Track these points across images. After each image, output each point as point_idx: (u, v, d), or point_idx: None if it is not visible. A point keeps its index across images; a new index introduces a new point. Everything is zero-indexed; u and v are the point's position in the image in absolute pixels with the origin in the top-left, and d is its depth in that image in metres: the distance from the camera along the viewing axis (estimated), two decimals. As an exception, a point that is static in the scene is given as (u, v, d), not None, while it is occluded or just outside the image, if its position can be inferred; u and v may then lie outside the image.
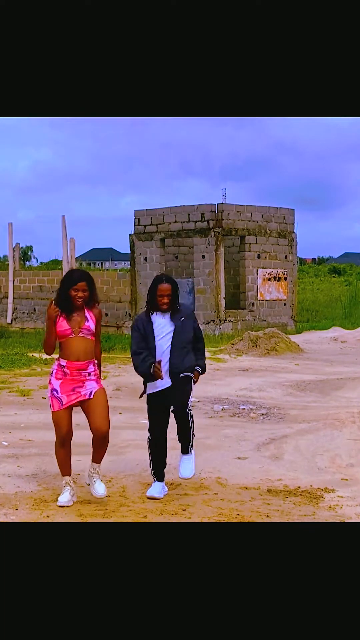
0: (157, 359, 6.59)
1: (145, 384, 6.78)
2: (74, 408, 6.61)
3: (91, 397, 6.47)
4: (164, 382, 6.66)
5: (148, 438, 6.86)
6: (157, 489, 6.84)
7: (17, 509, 6.45)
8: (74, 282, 6.38)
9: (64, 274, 29.21)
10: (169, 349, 6.61)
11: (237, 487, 7.12)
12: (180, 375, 6.63)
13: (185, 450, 6.93)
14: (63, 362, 6.48)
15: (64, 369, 6.48)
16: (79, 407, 6.62)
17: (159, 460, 6.86)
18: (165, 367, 6.61)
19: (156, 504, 6.60)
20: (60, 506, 6.50)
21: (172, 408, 6.76)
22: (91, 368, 6.51)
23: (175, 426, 6.83)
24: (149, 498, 6.75)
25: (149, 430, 6.85)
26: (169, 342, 6.61)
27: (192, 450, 6.93)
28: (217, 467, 7.74)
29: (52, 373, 6.56)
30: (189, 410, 6.78)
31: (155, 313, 6.67)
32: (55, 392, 6.50)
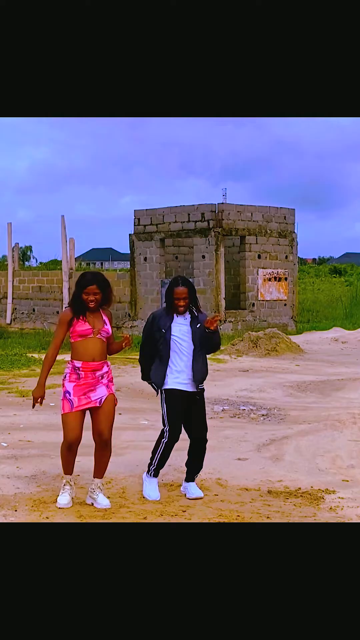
0: (171, 362, 6.73)
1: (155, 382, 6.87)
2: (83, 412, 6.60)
3: (100, 404, 6.48)
4: (187, 386, 6.74)
5: (164, 434, 6.78)
6: (156, 491, 6.85)
7: (16, 510, 6.43)
8: (84, 286, 6.39)
9: (63, 274, 29.06)
10: (191, 354, 6.71)
11: (238, 488, 7.11)
12: (198, 394, 6.79)
13: (192, 478, 6.94)
14: (77, 364, 6.46)
15: (78, 371, 6.46)
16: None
17: (165, 461, 6.87)
18: (186, 372, 6.71)
19: (156, 505, 6.58)
20: (60, 508, 6.46)
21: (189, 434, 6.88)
22: (105, 368, 6.54)
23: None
24: (144, 497, 6.78)
25: (169, 429, 6.76)
26: (189, 347, 6.71)
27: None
28: (218, 468, 7.73)
29: (65, 376, 6.52)
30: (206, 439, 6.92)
31: (175, 314, 6.76)
32: (67, 394, 6.47)
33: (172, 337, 6.69)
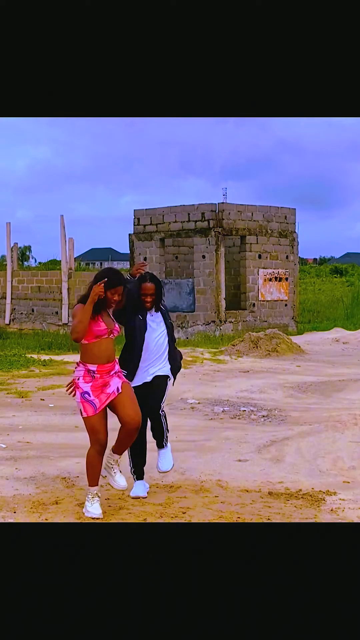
0: (146, 357, 6.71)
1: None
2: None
3: (119, 391, 6.25)
4: (143, 378, 6.74)
5: None
6: (140, 488, 6.85)
7: (15, 512, 6.40)
8: (113, 285, 6.15)
9: (62, 274, 28.98)
10: (165, 345, 6.79)
11: (238, 490, 7.07)
12: (159, 375, 6.79)
13: (161, 444, 6.94)
14: (92, 367, 6.20)
15: (94, 374, 6.22)
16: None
17: (139, 457, 6.88)
18: (149, 367, 6.73)
19: (156, 507, 6.53)
20: (93, 518, 6.25)
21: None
22: (117, 367, 6.37)
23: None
24: (133, 498, 6.75)
25: None
26: (161, 341, 6.78)
27: (168, 444, 6.95)
28: (218, 470, 7.69)
29: (78, 378, 6.26)
30: (162, 411, 6.85)
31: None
32: (87, 395, 6.19)
33: (148, 328, 6.72)
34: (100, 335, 6.18)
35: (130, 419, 6.24)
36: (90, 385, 6.21)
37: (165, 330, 6.83)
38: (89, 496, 6.34)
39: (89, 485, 6.33)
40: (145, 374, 6.75)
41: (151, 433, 6.90)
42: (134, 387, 6.55)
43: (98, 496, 6.36)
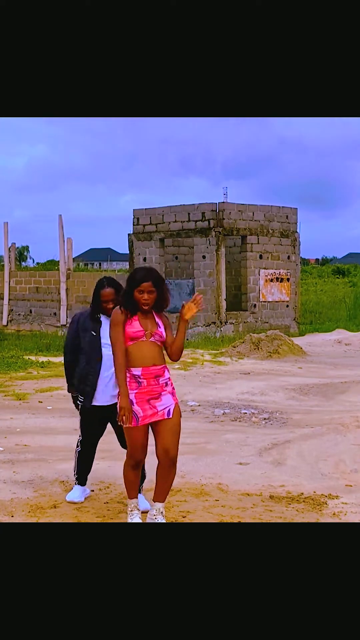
0: (104, 366, 6.41)
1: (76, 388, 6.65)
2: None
3: (170, 416, 5.79)
4: (111, 399, 6.45)
5: (77, 447, 6.78)
6: (77, 493, 6.76)
7: (12, 516, 6.36)
8: (137, 283, 5.71)
9: (60, 274, 29.05)
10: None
11: (239, 494, 7.02)
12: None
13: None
14: (136, 371, 5.73)
15: (139, 379, 5.74)
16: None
17: (86, 466, 6.79)
18: (112, 380, 6.39)
19: (155, 511, 6.45)
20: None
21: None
22: (167, 374, 5.84)
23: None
24: (68, 502, 6.66)
25: (81, 443, 6.73)
26: None
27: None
28: (218, 473, 7.65)
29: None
30: None
31: (101, 315, 6.51)
32: (132, 405, 5.74)
33: (102, 343, 6.41)
34: (135, 337, 5.74)
35: (164, 451, 5.82)
36: (135, 392, 5.75)
37: None
38: (128, 508, 6.11)
39: (129, 498, 6.10)
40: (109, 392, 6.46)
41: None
42: (99, 406, 6.45)
43: (138, 509, 6.07)
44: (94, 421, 6.61)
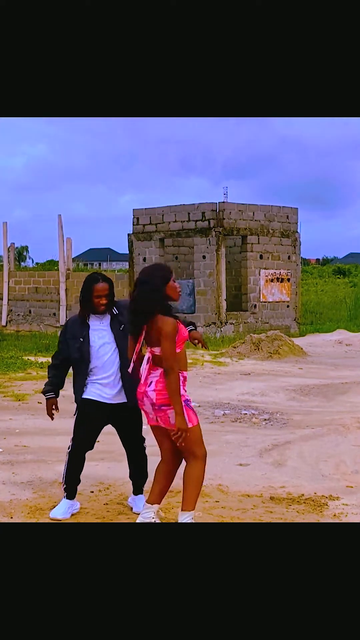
0: (97, 371, 6.10)
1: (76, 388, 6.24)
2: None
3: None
4: (116, 398, 6.11)
5: (69, 447, 6.27)
6: (62, 509, 6.30)
7: (12, 517, 6.34)
8: (168, 279, 5.56)
9: (60, 275, 28.95)
10: (117, 362, 6.04)
11: (239, 495, 7.00)
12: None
13: (140, 490, 6.49)
14: (185, 374, 5.62)
15: (186, 382, 5.67)
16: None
17: (75, 474, 6.29)
18: (117, 381, 6.07)
19: (155, 513, 6.42)
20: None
21: (124, 437, 6.38)
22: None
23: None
24: (51, 519, 6.20)
25: (74, 439, 6.22)
26: (114, 354, 6.05)
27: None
28: (218, 474, 7.62)
29: (150, 384, 5.62)
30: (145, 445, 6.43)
31: (90, 316, 6.11)
32: (190, 403, 5.60)
33: (91, 346, 6.05)
34: (184, 338, 5.59)
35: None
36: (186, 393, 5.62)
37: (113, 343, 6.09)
38: (195, 514, 5.81)
39: (193, 509, 5.74)
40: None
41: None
42: (101, 402, 6.14)
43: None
44: (91, 418, 6.18)
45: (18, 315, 28.46)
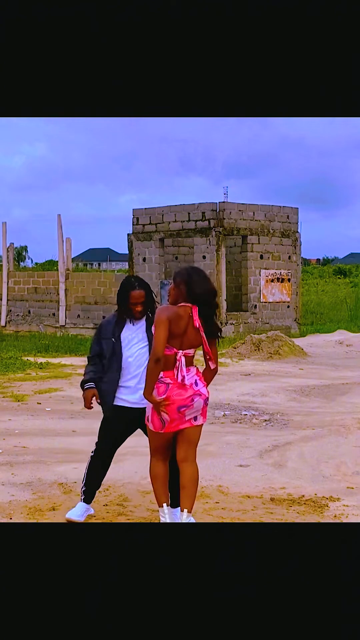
0: (127, 373, 5.99)
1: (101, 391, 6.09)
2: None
3: None
4: (144, 401, 5.85)
5: (92, 452, 6.21)
6: (79, 511, 6.22)
7: (11, 518, 6.33)
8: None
9: (59, 275, 28.90)
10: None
11: (239, 496, 6.98)
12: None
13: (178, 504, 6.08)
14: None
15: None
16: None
17: (97, 479, 6.23)
18: (140, 384, 5.93)
19: (155, 513, 6.42)
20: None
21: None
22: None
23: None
24: (67, 520, 6.16)
25: (98, 444, 6.17)
26: (145, 356, 5.95)
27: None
28: (219, 475, 7.60)
29: (196, 383, 5.70)
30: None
31: (128, 321, 6.03)
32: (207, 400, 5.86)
33: (122, 348, 5.97)
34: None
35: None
36: None
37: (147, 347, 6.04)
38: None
39: (190, 510, 5.78)
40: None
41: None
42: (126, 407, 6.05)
43: None
44: (116, 423, 6.10)
45: (17, 315, 28.42)
